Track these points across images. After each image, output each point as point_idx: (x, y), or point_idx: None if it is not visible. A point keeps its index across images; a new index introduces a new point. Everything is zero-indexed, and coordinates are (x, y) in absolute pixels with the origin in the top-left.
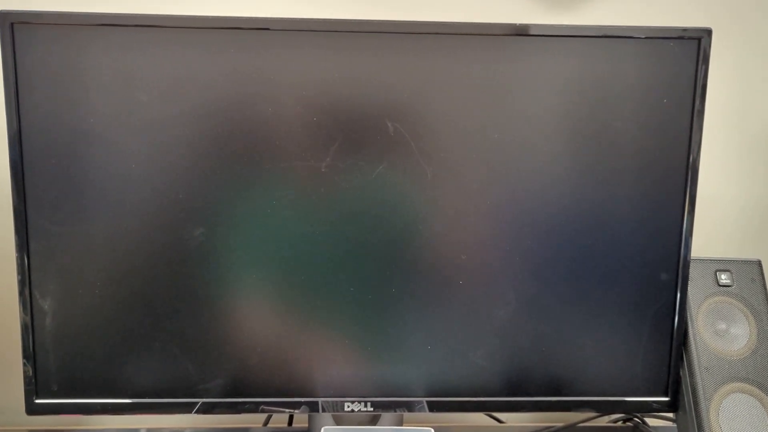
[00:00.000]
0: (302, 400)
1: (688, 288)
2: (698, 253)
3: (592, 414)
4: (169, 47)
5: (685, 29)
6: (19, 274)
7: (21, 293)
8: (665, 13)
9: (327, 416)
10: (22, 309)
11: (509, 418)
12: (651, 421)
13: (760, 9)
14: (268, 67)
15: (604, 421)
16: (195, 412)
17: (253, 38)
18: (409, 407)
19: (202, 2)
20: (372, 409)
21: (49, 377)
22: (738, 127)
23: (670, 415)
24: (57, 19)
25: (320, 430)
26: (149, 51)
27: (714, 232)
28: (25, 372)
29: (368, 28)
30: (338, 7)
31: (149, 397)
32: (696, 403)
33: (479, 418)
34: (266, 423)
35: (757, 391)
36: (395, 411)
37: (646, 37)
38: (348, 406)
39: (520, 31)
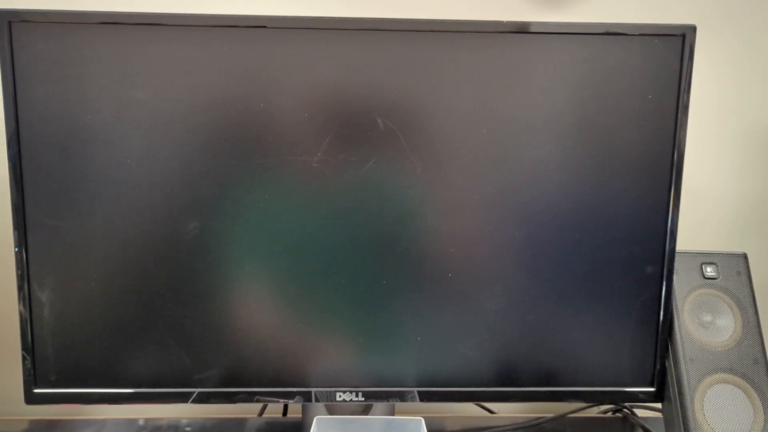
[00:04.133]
0: (296, 390)
1: (674, 280)
2: (688, 246)
3: (583, 404)
4: (165, 45)
5: (669, 26)
6: (18, 268)
7: (20, 286)
8: (654, 10)
9: (320, 406)
10: (20, 301)
11: (500, 408)
12: (640, 412)
13: (750, 4)
14: (263, 64)
15: (594, 411)
16: (191, 402)
17: (249, 36)
18: (400, 397)
19: (195, 1)
20: (363, 398)
21: (47, 367)
22: (727, 123)
23: (658, 405)
24: (54, 17)
25: (313, 419)
26: (145, 49)
27: (704, 226)
28: (24, 362)
29: (360, 26)
30: (334, 5)
31: (146, 387)
32: (681, 394)
33: (470, 408)
34: (261, 413)
35: (741, 381)
36: (386, 401)
37: (639, 34)
38: (340, 396)
39: (511, 29)
